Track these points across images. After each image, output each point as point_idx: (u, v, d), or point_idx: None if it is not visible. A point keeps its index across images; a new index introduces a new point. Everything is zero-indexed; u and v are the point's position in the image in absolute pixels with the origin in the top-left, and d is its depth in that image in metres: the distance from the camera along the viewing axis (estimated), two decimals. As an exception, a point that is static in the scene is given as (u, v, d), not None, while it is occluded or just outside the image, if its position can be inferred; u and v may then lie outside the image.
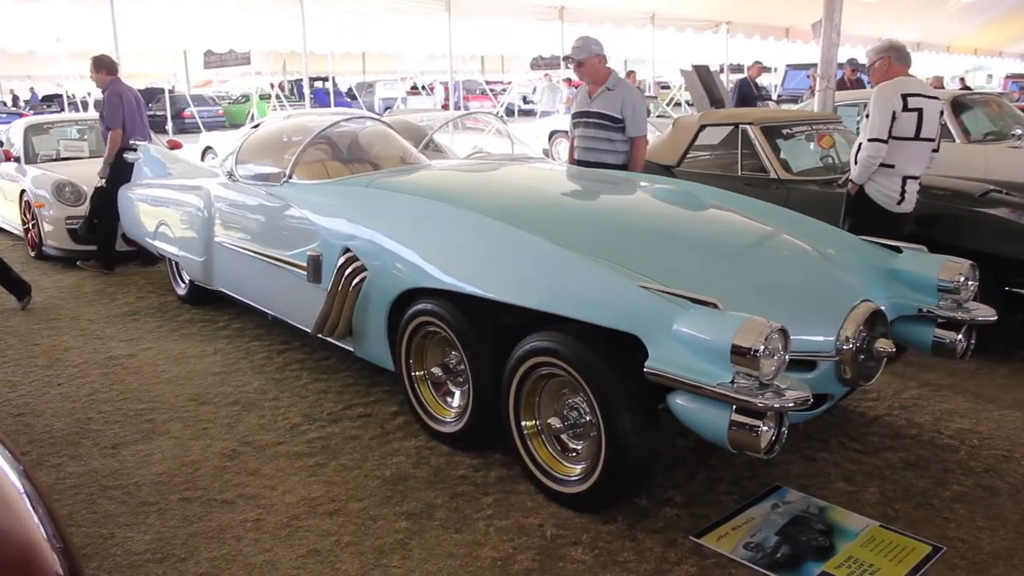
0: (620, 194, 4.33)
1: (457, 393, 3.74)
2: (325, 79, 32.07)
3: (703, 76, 12.39)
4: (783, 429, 2.67)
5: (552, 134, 15.85)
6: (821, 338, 3.06)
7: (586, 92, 5.58)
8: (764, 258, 3.52)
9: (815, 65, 13.12)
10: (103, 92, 7.57)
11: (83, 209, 7.65)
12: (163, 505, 3.28)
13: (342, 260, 4.02)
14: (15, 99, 31.93)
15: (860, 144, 4.77)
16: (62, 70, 27.59)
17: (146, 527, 3.13)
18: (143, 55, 30.35)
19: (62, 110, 25.50)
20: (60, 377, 4.76)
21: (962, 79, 26.27)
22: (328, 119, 5.30)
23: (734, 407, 2.61)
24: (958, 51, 30.05)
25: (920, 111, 4.62)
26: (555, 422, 3.16)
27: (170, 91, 29.73)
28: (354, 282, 3.95)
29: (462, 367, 3.61)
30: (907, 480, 3.39)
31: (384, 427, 3.93)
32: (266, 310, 5.02)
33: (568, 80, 19.42)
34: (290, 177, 4.71)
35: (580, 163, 5.54)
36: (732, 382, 2.61)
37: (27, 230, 8.24)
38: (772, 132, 6.30)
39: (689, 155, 6.73)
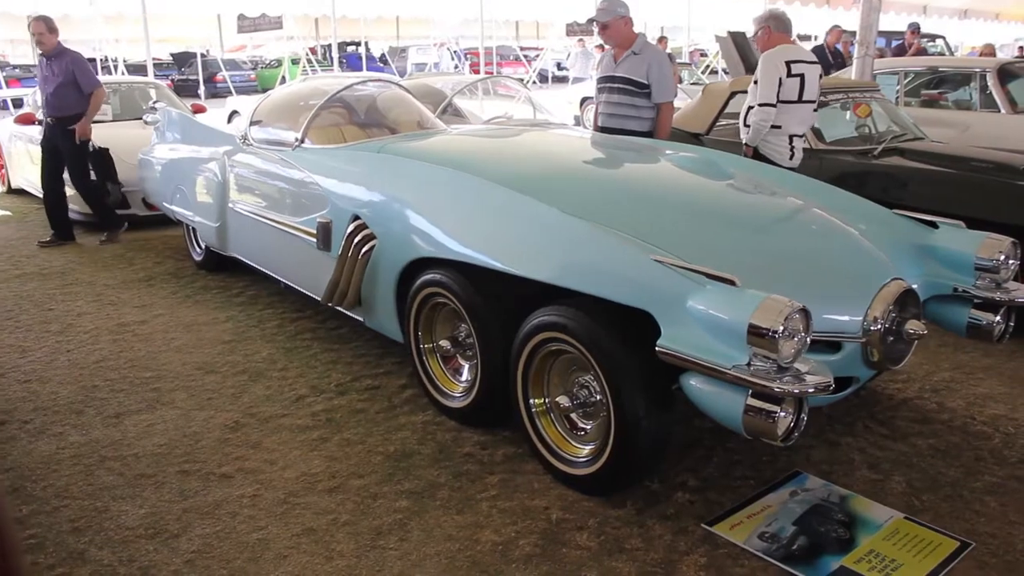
0: (640, 162, 4.15)
1: (466, 367, 3.61)
2: (358, 44, 31.85)
3: (739, 43, 12.03)
4: (802, 415, 2.50)
5: (584, 100, 15.58)
6: (847, 318, 2.88)
7: (611, 56, 5.38)
8: (788, 232, 3.32)
9: (836, 27, 12.81)
10: (46, 58, 7.21)
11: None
12: (161, 478, 3.20)
13: (351, 227, 3.89)
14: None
15: (749, 108, 5.12)
16: (97, 33, 27.69)
17: (141, 500, 3.05)
18: (176, 19, 30.40)
19: (97, 74, 25.59)
20: (70, 343, 4.70)
21: (1021, 48, 25.41)
22: (343, 81, 5.14)
23: (750, 391, 2.45)
24: (1008, 18, 29.09)
25: (802, 76, 4.98)
26: (564, 400, 3.02)
27: (203, 55, 29.74)
28: (363, 250, 3.82)
29: (471, 340, 3.48)
30: (936, 469, 3.22)
31: (392, 400, 3.82)
32: (278, 278, 4.92)
33: (601, 46, 19.07)
34: (303, 142, 4.58)
35: (604, 130, 5.35)
36: (748, 364, 2.44)
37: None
38: (806, 100, 6.05)
39: (719, 123, 6.50)
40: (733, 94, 6.45)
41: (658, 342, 2.60)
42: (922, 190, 5.11)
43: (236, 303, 5.33)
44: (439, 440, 3.43)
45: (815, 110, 5.22)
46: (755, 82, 5.05)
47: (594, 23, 5.42)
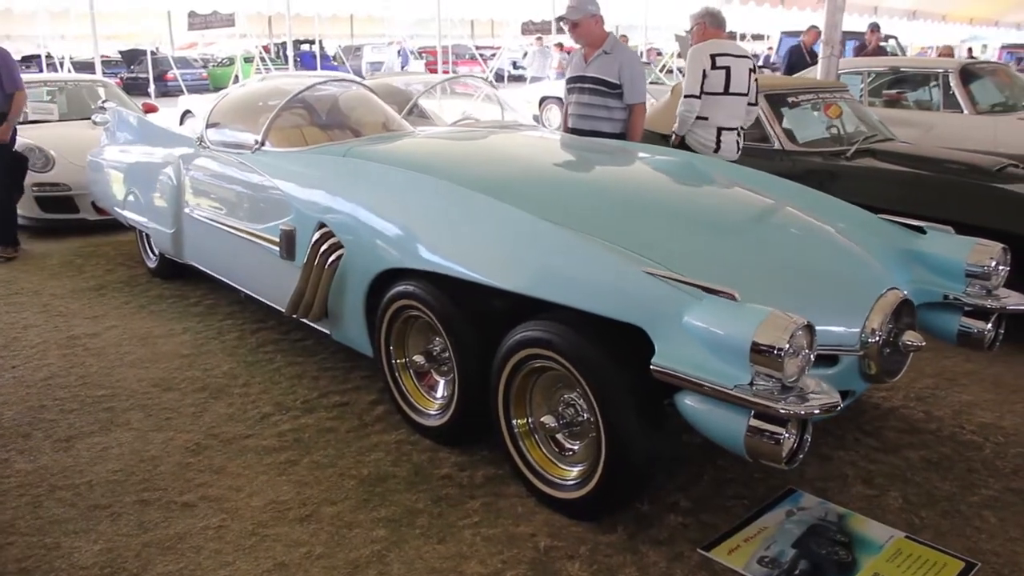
0: (618, 165, 4.00)
1: (441, 383, 3.43)
2: (312, 42, 31.40)
3: None
4: (806, 436, 2.38)
5: (543, 100, 15.46)
6: (845, 330, 2.77)
7: (581, 56, 5.23)
8: (779, 239, 3.19)
9: (813, 27, 12.80)
10: None
11: (51, 176, 7.28)
12: (117, 508, 2.97)
13: (317, 235, 3.69)
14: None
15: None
16: (42, 30, 26.90)
17: (96, 535, 2.82)
18: (124, 15, 29.66)
19: (41, 71, 24.83)
20: (16, 359, 4.42)
21: (969, 49, 25.83)
22: (305, 81, 4.93)
23: (752, 412, 2.32)
24: (954, 20, 29.58)
25: (728, 69, 5.10)
26: (549, 421, 2.86)
27: (153, 53, 29.07)
28: (330, 260, 3.62)
29: (446, 355, 3.30)
30: (930, 483, 3.12)
31: (362, 418, 3.63)
32: (239, 287, 4.70)
33: (560, 45, 18.95)
34: (263, 144, 4.36)
35: (574, 131, 5.20)
36: (751, 384, 2.31)
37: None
38: (777, 100, 5.97)
39: (690, 124, 6.38)
40: (703, 94, 6.33)
41: (652, 360, 2.46)
42: (897, 192, 5.04)
43: (193, 313, 5.09)
44: (415, 461, 3.25)
45: (751, 103, 5.32)
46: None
47: (563, 21, 5.27)
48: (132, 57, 30.87)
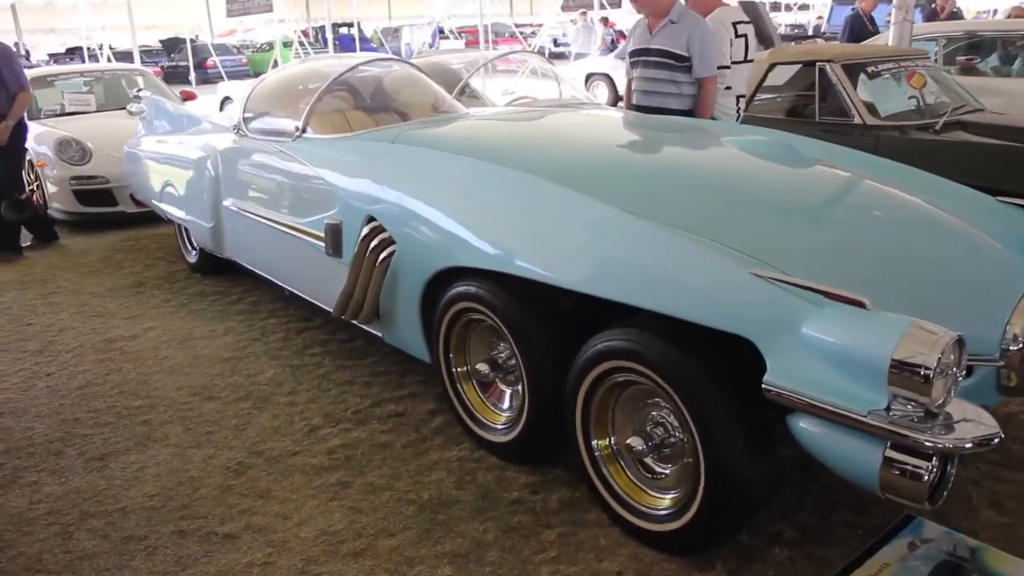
0: (704, 148, 3.59)
1: (508, 394, 3.08)
2: (350, 25, 31.14)
3: (750, 11, 11.57)
4: (950, 469, 1.99)
5: (588, 77, 14.98)
6: (983, 336, 2.36)
7: (645, 26, 4.82)
8: (900, 232, 2.76)
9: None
10: None
11: (88, 168, 7.06)
12: (153, 541, 2.68)
13: (366, 230, 3.36)
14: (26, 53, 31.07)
15: None
16: (82, 21, 26.95)
17: (131, 572, 2.53)
18: (163, 4, 29.67)
19: (84, 63, 24.88)
20: (51, 365, 4.17)
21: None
22: (347, 62, 4.59)
23: (889, 442, 1.94)
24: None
25: (746, 36, 5.01)
26: (637, 443, 2.50)
27: (192, 41, 29.03)
28: (380, 257, 3.29)
29: (513, 363, 2.96)
30: (1074, 506, 2.71)
31: (420, 431, 3.30)
32: (282, 285, 4.39)
33: (605, 20, 18.44)
34: (304, 131, 4.04)
35: (639, 108, 4.80)
36: (887, 409, 1.93)
37: (32, 191, 7.66)
38: (855, 70, 5.52)
39: (757, 97, 5.95)
40: (773, 65, 5.90)
41: (765, 378, 2.09)
42: (999, 169, 4.58)
43: (235, 312, 4.80)
44: (481, 483, 2.91)
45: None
46: None
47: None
48: (172, 46, 30.87)
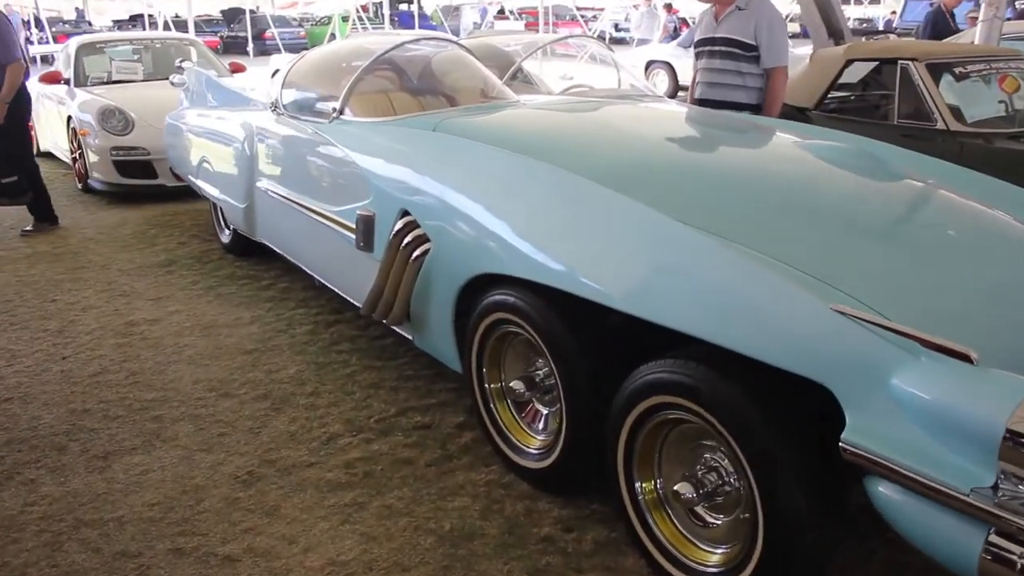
0: (778, 154, 3.21)
1: (546, 415, 2.78)
2: (410, 1, 30.91)
3: (822, 4, 11.10)
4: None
5: (649, 64, 14.53)
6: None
7: (711, 15, 4.46)
8: (1010, 267, 2.39)
9: None
10: None
11: (130, 139, 6.89)
12: (146, 559, 2.44)
13: (399, 225, 3.07)
14: (79, 19, 31.26)
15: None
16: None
17: (117, 595, 2.30)
18: (226, -27, 29.71)
19: (144, 31, 25.00)
20: (68, 347, 3.97)
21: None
22: (392, 39, 4.30)
23: (993, 528, 1.60)
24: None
25: None
26: (686, 490, 2.18)
27: (252, 12, 29.10)
28: (414, 255, 3.00)
29: (552, 382, 2.66)
30: None
31: (446, 447, 3.02)
32: (312, 274, 4.14)
33: (668, 6, 17.92)
34: (342, 112, 3.76)
35: (703, 102, 4.45)
36: (995, 487, 1.59)
37: (74, 160, 7.55)
38: (939, 71, 5.08)
39: (830, 96, 5.55)
40: (849, 62, 5.48)
41: (843, 436, 1.76)
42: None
43: (264, 299, 4.57)
44: (508, 514, 2.62)
45: None
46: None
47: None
48: (232, 16, 30.98)
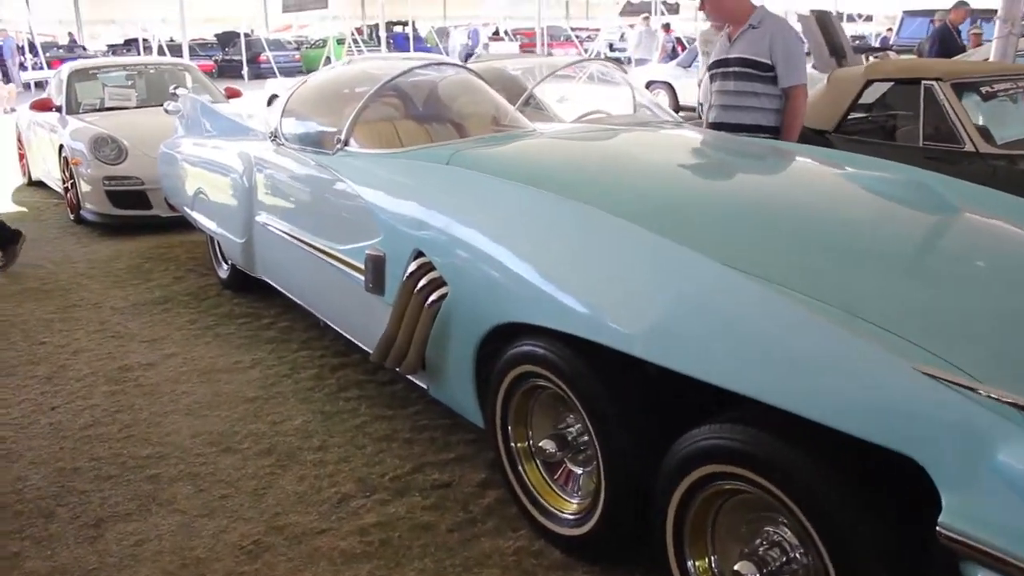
0: (825, 187, 2.95)
1: (581, 476, 2.54)
2: (404, 23, 30.87)
3: (823, 22, 11.00)
4: None
5: (649, 84, 14.35)
6: None
7: (725, 35, 4.25)
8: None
9: (961, 2, 11.37)
10: None
11: (123, 168, 6.66)
12: (140, 650, 2.19)
13: (413, 267, 2.84)
14: (72, 44, 31.08)
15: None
16: (140, 13, 27.01)
17: None
18: (220, -3, 29.65)
19: (139, 55, 24.87)
20: (58, 396, 3.73)
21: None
22: (399, 65, 4.08)
23: None
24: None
25: None
26: (747, 570, 1.94)
27: (247, 35, 29.01)
28: (430, 299, 2.77)
29: (586, 439, 2.43)
30: None
31: (468, 508, 2.77)
32: (317, 315, 3.91)
33: (666, 26, 17.80)
34: (346, 143, 3.54)
35: (717, 126, 4.24)
36: None
37: (66, 190, 7.31)
38: (966, 90, 4.88)
39: (850, 117, 5.34)
40: (869, 82, 5.28)
41: (940, 519, 1.53)
42: None
43: (265, 340, 4.32)
44: (542, 590, 2.38)
45: None
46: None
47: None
48: (227, 39, 30.88)
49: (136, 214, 6.73)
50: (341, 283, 3.34)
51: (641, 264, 2.20)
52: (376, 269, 3.03)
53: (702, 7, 5.03)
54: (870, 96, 5.49)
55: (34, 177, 8.87)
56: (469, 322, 2.64)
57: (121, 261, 5.95)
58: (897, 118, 5.41)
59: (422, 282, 2.79)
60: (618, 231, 2.31)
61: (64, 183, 7.34)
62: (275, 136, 4.14)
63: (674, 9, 32.68)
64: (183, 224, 6.14)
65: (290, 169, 3.89)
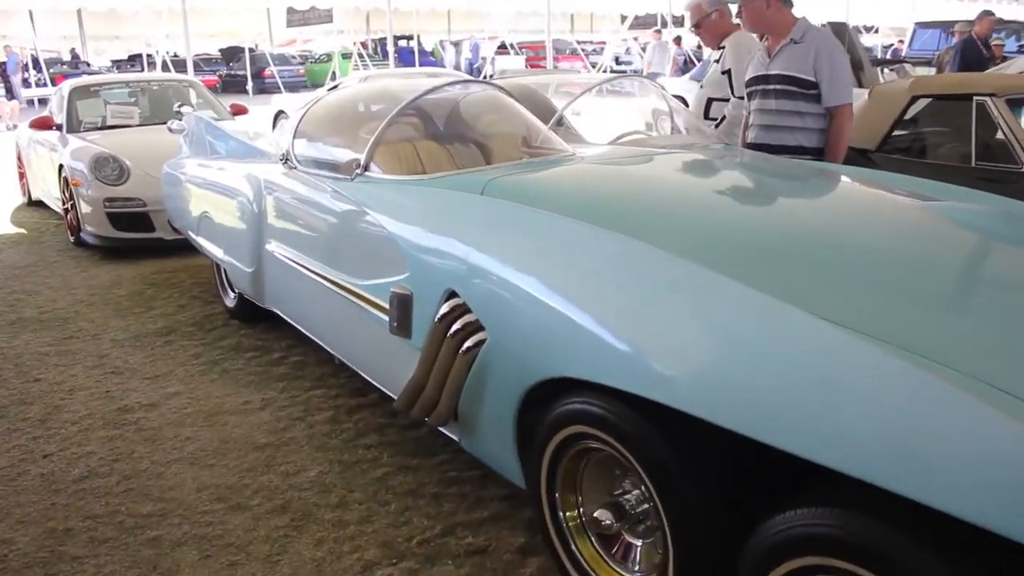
0: (909, 224, 2.62)
1: (638, 550, 2.23)
2: (409, 37, 30.71)
3: (840, 35, 10.81)
4: None
5: (662, 98, 14.08)
6: None
7: (764, 50, 3.97)
8: None
9: (986, 14, 11.10)
10: None
11: (125, 189, 6.38)
12: None
13: (445, 308, 2.54)
14: (75, 59, 30.91)
15: (712, 101, 4.74)
16: (145, 29, 26.87)
17: None
18: (225, 13, 29.52)
19: (143, 70, 24.70)
20: (51, 441, 3.43)
21: None
22: (424, 82, 3.80)
23: None
24: None
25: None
26: None
27: (251, 50, 28.88)
28: (465, 346, 2.47)
29: (646, 507, 2.12)
30: None
31: (508, 580, 2.47)
32: (333, 352, 3.61)
33: (678, 39, 17.54)
34: (367, 168, 3.25)
35: (758, 146, 3.96)
36: None
37: (66, 211, 7.03)
38: (1019, 106, 4.59)
39: (893, 135, 5.04)
40: (915, 98, 4.99)
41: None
42: None
43: (275, 376, 4.02)
44: None
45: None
46: (724, 72, 4.56)
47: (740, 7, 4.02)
48: (231, 54, 30.78)
49: (138, 237, 6.44)
50: (361, 322, 3.04)
51: (725, 318, 1.89)
52: (402, 309, 2.73)
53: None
54: (918, 114, 5.21)
55: (34, 197, 8.60)
56: (511, 374, 2.34)
57: (122, 287, 5.66)
58: (945, 136, 5.11)
59: (456, 326, 2.49)
60: (693, 278, 2.00)
61: (64, 204, 7.06)
62: (287, 158, 3.85)
63: (680, 22, 32.56)
64: (187, 247, 5.84)
65: (303, 195, 3.60)
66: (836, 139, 3.89)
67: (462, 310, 2.50)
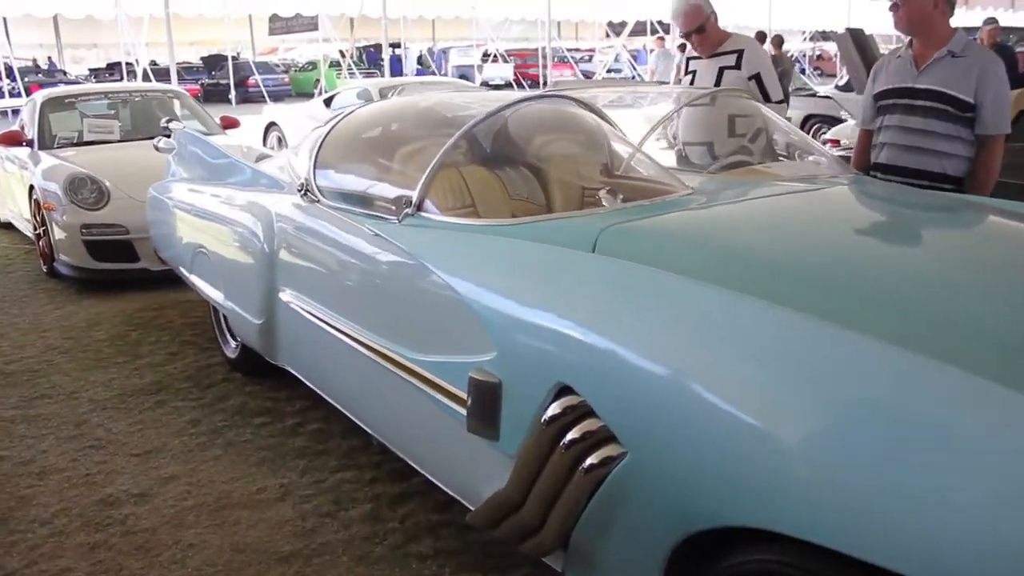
0: None
1: None
2: (395, 45, 30.05)
3: (859, 41, 10.47)
4: None
5: (668, 109, 13.49)
6: None
7: (910, 58, 3.31)
8: None
9: (991, 22, 10.85)
10: None
11: (104, 214, 5.65)
12: None
13: (556, 409, 1.86)
14: (48, 67, 29.99)
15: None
16: (124, 37, 25.99)
17: None
18: (206, 21, 28.68)
19: (122, 79, 23.83)
20: (15, 553, 2.70)
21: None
22: (489, 96, 3.11)
23: None
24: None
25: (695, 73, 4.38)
26: None
27: (234, 59, 28.10)
28: (589, 463, 1.78)
29: None
30: None
31: None
32: (371, 432, 2.90)
33: (683, 46, 16.90)
34: (420, 207, 2.56)
35: (890, 168, 3.34)
36: None
37: (38, 236, 6.26)
38: None
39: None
40: (1022, 113, 4.35)
41: None
42: None
43: (293, 451, 3.32)
44: None
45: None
46: (751, 78, 4.15)
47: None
48: (213, 63, 29.96)
49: (120, 267, 5.70)
50: (420, 407, 2.34)
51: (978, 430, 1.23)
52: (486, 401, 2.04)
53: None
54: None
55: (2, 219, 7.83)
56: (663, 511, 1.66)
57: (102, 329, 4.92)
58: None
59: (572, 435, 1.81)
60: (956, 386, 1.34)
61: (36, 229, 6.30)
62: (306, 189, 3.15)
63: (667, 29, 32.13)
64: (175, 280, 5.12)
65: (331, 236, 2.90)
66: (988, 171, 3.29)
67: (581, 412, 1.81)
